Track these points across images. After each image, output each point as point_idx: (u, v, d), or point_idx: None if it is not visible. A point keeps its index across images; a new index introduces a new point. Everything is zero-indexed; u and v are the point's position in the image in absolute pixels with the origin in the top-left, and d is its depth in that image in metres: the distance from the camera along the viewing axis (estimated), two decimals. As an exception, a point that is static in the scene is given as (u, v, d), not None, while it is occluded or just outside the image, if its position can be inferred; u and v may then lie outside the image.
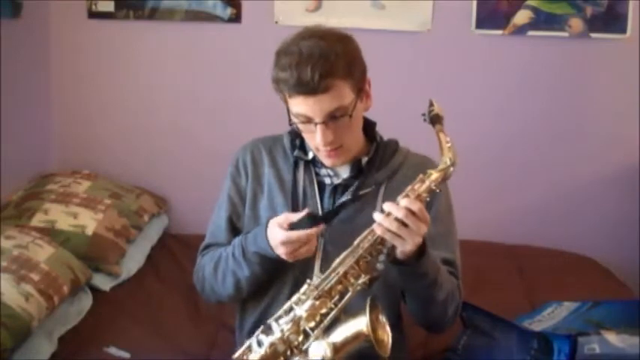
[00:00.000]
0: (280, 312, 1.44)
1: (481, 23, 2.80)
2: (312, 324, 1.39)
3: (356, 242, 1.41)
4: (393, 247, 1.40)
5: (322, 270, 1.53)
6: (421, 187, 1.39)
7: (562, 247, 2.83)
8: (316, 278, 1.43)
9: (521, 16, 2.79)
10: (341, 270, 1.40)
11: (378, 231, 1.36)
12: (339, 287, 1.41)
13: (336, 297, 1.41)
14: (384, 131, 1.64)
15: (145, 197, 2.81)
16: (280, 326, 1.42)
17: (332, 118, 1.45)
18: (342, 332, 1.38)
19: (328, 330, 1.39)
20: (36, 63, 2.85)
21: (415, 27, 2.83)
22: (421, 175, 1.41)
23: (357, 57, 1.50)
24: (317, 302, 1.40)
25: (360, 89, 1.50)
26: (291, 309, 1.43)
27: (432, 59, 2.87)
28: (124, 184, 2.82)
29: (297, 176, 1.60)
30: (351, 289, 1.40)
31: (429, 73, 2.87)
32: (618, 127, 2.85)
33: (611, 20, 2.75)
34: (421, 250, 1.40)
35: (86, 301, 2.22)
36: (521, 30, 2.80)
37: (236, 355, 1.47)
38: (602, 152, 2.88)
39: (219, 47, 2.91)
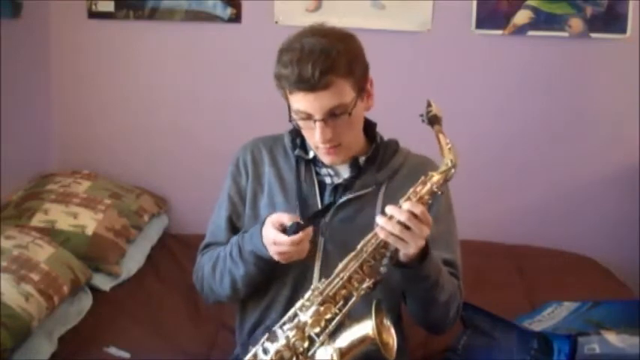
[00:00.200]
0: (285, 318, 1.44)
1: (481, 23, 2.80)
2: (318, 329, 1.39)
3: (359, 246, 1.40)
4: (396, 250, 1.40)
5: (322, 270, 1.54)
6: (423, 189, 1.39)
7: (562, 247, 2.83)
8: (320, 284, 1.43)
9: (521, 16, 2.79)
10: (345, 275, 1.40)
11: (381, 234, 1.36)
12: (343, 292, 1.41)
13: (341, 302, 1.41)
14: (384, 131, 1.64)
15: (145, 197, 2.81)
16: (285, 333, 1.42)
17: (331, 116, 1.45)
18: (348, 337, 1.39)
19: (333, 335, 1.39)
20: (36, 63, 2.85)
21: (415, 27, 2.83)
22: (423, 178, 1.41)
23: (359, 55, 1.50)
24: (321, 308, 1.40)
25: (362, 88, 1.50)
26: (295, 315, 1.42)
27: (432, 59, 2.87)
28: (124, 184, 2.82)
29: (298, 175, 1.60)
30: (355, 293, 1.40)
31: (429, 73, 2.87)
32: (618, 127, 2.85)
33: (611, 20, 2.75)
34: (424, 253, 1.40)
35: (86, 301, 2.22)
36: (521, 30, 2.80)
37: None
38: (602, 152, 2.88)
39: (219, 47, 2.91)
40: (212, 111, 2.95)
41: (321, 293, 1.41)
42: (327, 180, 1.59)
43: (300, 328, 1.40)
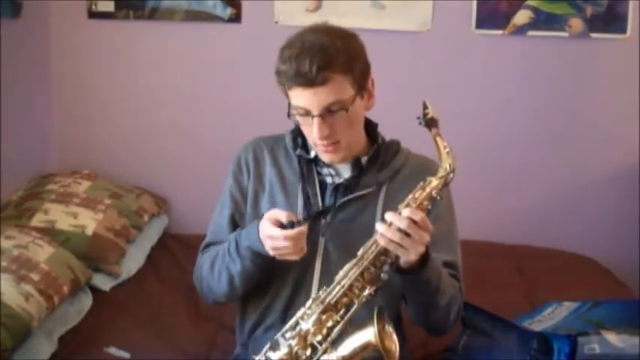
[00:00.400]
0: (286, 327, 1.44)
1: (481, 23, 2.80)
2: (320, 337, 1.39)
3: (359, 253, 1.40)
4: (397, 257, 1.40)
5: (323, 270, 1.54)
6: (422, 194, 1.39)
7: (562, 247, 2.83)
8: (321, 292, 1.42)
9: (521, 16, 2.79)
10: (346, 283, 1.40)
11: (382, 242, 1.36)
12: (345, 300, 1.41)
13: (342, 310, 1.41)
14: (384, 131, 1.64)
15: (145, 197, 2.81)
16: (287, 341, 1.41)
17: (329, 112, 1.45)
18: (351, 344, 1.39)
19: (336, 342, 1.39)
20: (36, 63, 2.85)
21: (415, 27, 2.83)
22: (421, 183, 1.41)
23: (359, 54, 1.50)
24: (323, 316, 1.40)
25: (361, 87, 1.50)
26: (297, 324, 1.42)
27: (432, 59, 2.87)
28: (124, 184, 2.82)
29: (302, 175, 1.59)
30: (356, 301, 1.40)
31: (429, 73, 2.87)
32: (618, 127, 2.85)
33: (611, 20, 2.75)
34: (424, 259, 1.40)
35: (86, 301, 2.22)
36: (521, 30, 2.80)
37: None
38: (602, 152, 2.88)
39: (219, 47, 2.91)
40: (212, 111, 2.95)
41: (322, 302, 1.41)
42: (329, 180, 1.59)
43: (303, 336, 1.40)
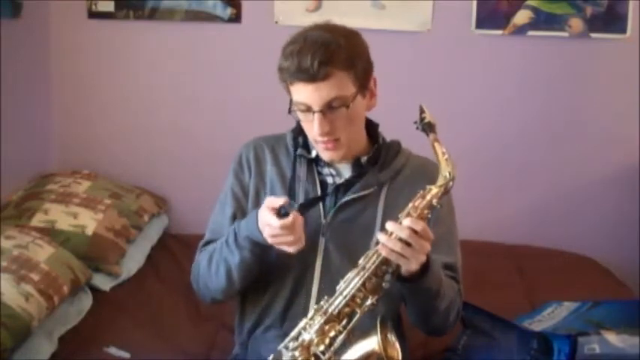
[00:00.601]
0: (288, 338, 1.44)
1: (481, 23, 2.80)
2: (322, 347, 1.39)
3: (362, 263, 1.40)
4: (398, 265, 1.40)
5: (323, 270, 1.54)
6: (422, 203, 1.39)
7: (562, 247, 2.83)
8: (323, 302, 1.42)
9: (521, 16, 2.79)
10: (348, 293, 1.40)
11: (383, 252, 1.36)
12: (347, 310, 1.41)
13: (345, 320, 1.41)
14: (384, 131, 1.64)
15: (145, 197, 2.81)
16: (290, 352, 1.41)
17: (330, 108, 1.45)
18: (354, 353, 1.39)
19: (339, 352, 1.40)
20: (36, 63, 2.85)
21: (415, 27, 2.83)
22: (421, 191, 1.41)
23: (362, 52, 1.50)
24: (326, 326, 1.40)
25: (363, 85, 1.50)
26: (299, 334, 1.42)
27: (432, 59, 2.87)
28: (124, 184, 2.82)
29: (299, 174, 1.59)
30: (359, 310, 1.40)
31: (429, 73, 2.87)
32: (618, 127, 2.85)
33: (611, 20, 2.75)
34: (425, 267, 1.40)
35: (86, 301, 2.22)
36: (521, 30, 2.80)
37: None
38: (602, 152, 2.88)
39: (219, 47, 2.91)
40: (212, 111, 2.95)
41: (325, 312, 1.41)
42: (329, 180, 1.59)
43: (306, 346, 1.40)
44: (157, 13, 2.87)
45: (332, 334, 1.40)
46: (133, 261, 2.53)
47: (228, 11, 2.86)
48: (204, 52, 2.92)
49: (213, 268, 1.57)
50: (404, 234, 1.34)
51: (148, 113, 2.97)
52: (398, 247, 1.34)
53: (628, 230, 2.86)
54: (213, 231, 1.67)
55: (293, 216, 1.41)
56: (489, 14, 2.79)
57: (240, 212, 1.63)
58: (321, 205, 1.56)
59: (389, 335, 1.40)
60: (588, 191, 2.92)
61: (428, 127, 1.45)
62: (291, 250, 1.45)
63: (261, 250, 1.50)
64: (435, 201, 1.40)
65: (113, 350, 1.99)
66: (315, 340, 1.40)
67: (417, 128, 1.47)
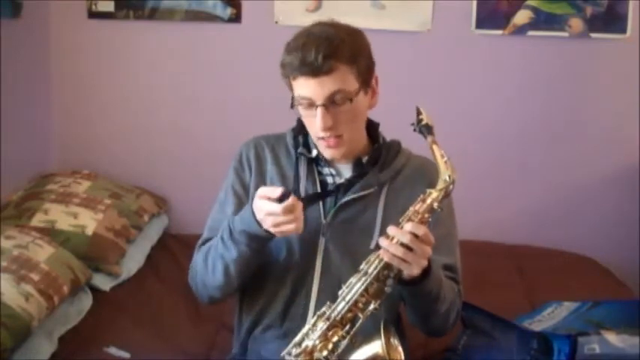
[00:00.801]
0: (291, 345, 1.43)
1: (481, 23, 2.80)
2: (326, 352, 1.39)
3: (362, 267, 1.40)
4: (400, 270, 1.40)
5: (323, 270, 1.54)
6: (422, 206, 1.40)
7: (562, 248, 2.83)
8: (326, 308, 1.42)
9: (521, 16, 2.79)
10: (351, 298, 1.40)
11: (385, 257, 1.36)
12: (350, 315, 1.41)
13: (347, 325, 1.41)
14: (384, 131, 1.64)
15: (145, 197, 2.81)
16: (293, 358, 1.41)
17: (333, 103, 1.45)
18: (358, 357, 1.39)
19: (342, 357, 1.40)
20: (36, 63, 2.85)
21: (415, 27, 2.83)
22: (422, 195, 1.41)
23: (364, 49, 1.51)
24: (329, 332, 1.40)
25: (366, 82, 1.50)
26: (302, 341, 1.42)
27: (432, 59, 2.87)
28: (124, 184, 2.82)
29: (300, 174, 1.59)
30: (361, 315, 1.40)
31: (429, 73, 2.87)
32: (618, 127, 2.85)
33: (611, 20, 2.75)
34: (425, 271, 1.40)
35: (86, 301, 2.22)
36: (521, 30, 2.80)
37: None
38: (602, 152, 2.88)
39: (219, 47, 2.91)
40: (212, 111, 2.95)
41: (327, 318, 1.41)
42: (329, 180, 1.59)
43: (309, 352, 1.40)
44: (157, 13, 2.87)
45: (335, 339, 1.40)
46: (133, 261, 2.53)
47: (228, 11, 2.86)
48: (204, 52, 2.92)
49: (210, 266, 1.56)
50: (405, 239, 1.34)
51: (148, 113, 2.97)
52: (400, 252, 1.34)
53: (628, 230, 2.86)
54: (212, 229, 1.65)
55: (292, 199, 1.39)
56: (489, 14, 2.79)
57: (241, 210, 1.63)
58: (321, 205, 1.56)
59: (392, 339, 1.41)
60: (588, 191, 2.92)
61: (425, 129, 1.45)
62: (294, 232, 1.42)
63: (258, 244, 1.48)
64: (435, 204, 1.40)
65: (113, 350, 1.99)
66: (319, 346, 1.39)
67: (415, 130, 1.47)
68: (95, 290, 2.29)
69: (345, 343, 1.40)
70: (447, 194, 1.41)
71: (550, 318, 2.04)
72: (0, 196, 2.55)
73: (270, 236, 1.45)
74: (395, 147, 1.63)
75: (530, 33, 2.80)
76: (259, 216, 1.43)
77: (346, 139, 1.51)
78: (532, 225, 2.94)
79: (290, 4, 2.81)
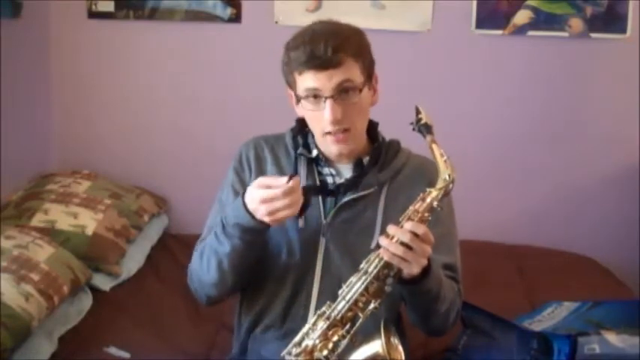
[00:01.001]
0: (291, 345, 1.43)
1: (481, 23, 2.80)
2: (326, 352, 1.39)
3: (362, 267, 1.40)
4: (399, 269, 1.40)
5: (323, 270, 1.54)
6: (422, 205, 1.40)
7: (562, 247, 2.83)
8: (326, 307, 1.42)
9: (521, 16, 2.79)
10: (351, 298, 1.40)
11: (385, 256, 1.36)
12: (350, 314, 1.41)
13: (348, 324, 1.41)
14: (384, 131, 1.64)
15: (145, 197, 2.81)
16: (294, 357, 1.41)
17: (341, 93, 1.45)
18: (358, 356, 1.39)
19: (342, 356, 1.40)
20: (36, 63, 2.85)
21: (415, 27, 2.83)
22: (421, 194, 1.41)
23: (367, 47, 1.52)
24: (329, 331, 1.40)
25: (369, 77, 1.51)
26: (302, 340, 1.42)
27: (432, 59, 2.87)
28: (124, 184, 2.82)
29: (300, 174, 1.58)
30: (361, 314, 1.40)
31: (429, 73, 2.87)
32: (618, 127, 2.85)
33: (611, 20, 2.75)
34: (425, 270, 1.40)
35: (86, 301, 2.22)
36: (521, 30, 2.80)
37: None
38: (602, 152, 2.88)
39: (219, 47, 2.91)
40: (212, 111, 2.95)
41: (327, 317, 1.41)
42: (329, 180, 1.59)
43: (309, 352, 1.40)
44: (157, 13, 2.87)
45: (335, 338, 1.40)
46: (133, 261, 2.53)
47: (228, 11, 2.86)
48: (204, 52, 2.92)
49: (205, 262, 1.55)
50: (405, 238, 1.34)
51: (148, 113, 2.97)
52: (400, 251, 1.34)
53: (628, 230, 2.86)
54: (210, 229, 1.63)
55: (296, 179, 1.39)
56: (489, 14, 2.79)
57: None
58: (321, 205, 1.56)
59: (392, 338, 1.41)
60: (588, 191, 2.92)
61: (425, 129, 1.45)
62: (291, 214, 1.41)
63: (251, 236, 1.46)
64: (435, 203, 1.40)
65: (113, 350, 1.99)
66: (319, 346, 1.39)
67: (414, 129, 1.47)
68: (95, 290, 2.29)
69: (345, 342, 1.40)
70: (446, 193, 1.41)
71: (550, 318, 2.04)
72: (0, 196, 2.55)
73: (263, 226, 1.43)
74: (394, 146, 1.63)
75: (530, 33, 2.80)
76: (252, 206, 1.42)
77: (353, 133, 1.51)
78: (532, 225, 2.94)
79: (290, 4, 2.81)
